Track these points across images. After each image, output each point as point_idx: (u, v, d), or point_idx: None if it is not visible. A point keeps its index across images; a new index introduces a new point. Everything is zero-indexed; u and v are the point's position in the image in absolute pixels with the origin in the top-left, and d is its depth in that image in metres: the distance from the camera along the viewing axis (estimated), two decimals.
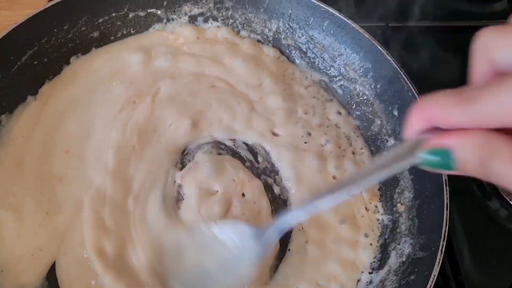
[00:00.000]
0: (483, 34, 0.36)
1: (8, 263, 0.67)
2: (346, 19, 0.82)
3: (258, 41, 0.91)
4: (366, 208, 0.76)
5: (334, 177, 0.77)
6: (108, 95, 0.81)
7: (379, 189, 0.78)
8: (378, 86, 0.81)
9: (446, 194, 0.67)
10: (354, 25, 0.81)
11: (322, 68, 0.88)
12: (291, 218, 0.59)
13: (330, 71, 0.87)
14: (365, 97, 0.83)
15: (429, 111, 0.38)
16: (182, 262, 0.66)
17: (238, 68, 0.85)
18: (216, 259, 0.64)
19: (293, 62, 0.90)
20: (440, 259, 0.62)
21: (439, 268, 0.62)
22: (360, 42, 0.82)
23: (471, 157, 0.36)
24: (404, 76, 0.76)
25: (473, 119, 0.35)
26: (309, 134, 0.81)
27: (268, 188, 0.76)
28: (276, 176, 0.77)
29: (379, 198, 0.77)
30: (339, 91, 0.86)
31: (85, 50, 0.85)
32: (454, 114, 0.36)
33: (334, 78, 0.87)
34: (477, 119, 0.35)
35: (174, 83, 0.82)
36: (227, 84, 0.84)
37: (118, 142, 0.76)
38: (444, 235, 0.64)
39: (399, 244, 0.70)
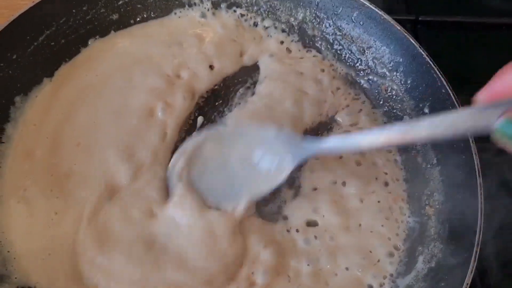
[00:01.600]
0: None
1: (20, 256, 0.64)
2: (377, 10, 0.78)
3: (283, 30, 0.87)
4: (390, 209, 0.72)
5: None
6: (129, 83, 0.78)
7: (404, 191, 0.74)
8: (409, 82, 0.77)
9: (481, 199, 0.63)
10: (385, 16, 0.77)
11: (349, 61, 0.84)
12: (331, 142, 0.63)
13: (358, 64, 0.83)
14: (393, 93, 0.79)
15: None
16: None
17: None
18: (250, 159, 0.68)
19: (320, 53, 0.86)
20: (473, 267, 0.59)
21: (472, 276, 0.58)
22: (391, 35, 0.78)
23: None
24: (437, 72, 0.72)
25: None
26: None
27: None
28: None
29: (406, 200, 0.73)
30: (366, 85, 0.82)
31: (104, 33, 0.82)
32: None
33: (361, 72, 0.83)
34: None
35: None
36: None
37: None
38: (478, 241, 0.60)
39: (427, 248, 0.67)
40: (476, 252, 0.60)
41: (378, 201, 0.73)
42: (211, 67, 0.82)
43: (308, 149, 0.66)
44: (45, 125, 0.74)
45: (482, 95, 0.39)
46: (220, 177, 0.69)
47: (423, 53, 0.74)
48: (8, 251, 0.64)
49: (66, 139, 0.73)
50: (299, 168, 0.73)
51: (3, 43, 0.71)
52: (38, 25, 0.75)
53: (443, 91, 0.71)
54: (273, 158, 0.67)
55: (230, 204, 0.67)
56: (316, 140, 0.66)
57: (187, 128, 0.77)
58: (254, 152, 0.69)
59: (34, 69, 0.76)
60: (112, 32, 0.83)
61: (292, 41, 0.87)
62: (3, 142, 0.72)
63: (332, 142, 0.64)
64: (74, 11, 0.78)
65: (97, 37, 0.82)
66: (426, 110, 0.74)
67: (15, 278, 0.63)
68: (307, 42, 0.86)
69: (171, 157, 0.72)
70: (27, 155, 0.72)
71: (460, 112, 0.44)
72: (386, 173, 0.75)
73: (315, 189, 0.73)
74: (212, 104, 0.80)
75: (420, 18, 0.96)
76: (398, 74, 0.78)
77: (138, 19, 0.85)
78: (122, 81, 0.78)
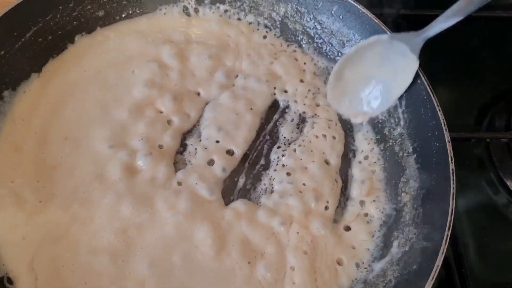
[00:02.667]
0: None
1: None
2: (355, 4, 0.80)
3: (265, 26, 0.89)
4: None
5: None
6: (119, 79, 0.81)
7: (381, 180, 0.77)
8: None
9: (453, 184, 0.65)
10: (363, 10, 0.79)
11: (329, 54, 0.86)
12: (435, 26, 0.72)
13: (338, 57, 0.85)
14: None
15: None
16: None
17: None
18: None
19: (300, 47, 0.88)
20: (444, 249, 0.61)
21: (443, 258, 0.60)
22: (369, 28, 0.80)
23: None
24: None
25: None
26: None
27: None
28: None
29: (381, 190, 0.75)
30: None
31: (90, 29, 0.84)
32: None
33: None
34: None
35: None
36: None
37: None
38: (449, 225, 0.62)
39: (402, 233, 0.69)
40: (447, 235, 0.62)
41: None
42: None
43: (419, 40, 0.73)
44: (33, 120, 0.76)
45: None
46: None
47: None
48: None
49: (54, 133, 0.75)
50: None
51: None
52: (25, 21, 0.77)
53: (419, 81, 0.73)
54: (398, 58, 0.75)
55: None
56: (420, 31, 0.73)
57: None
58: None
59: (22, 64, 0.78)
60: (99, 28, 0.85)
61: (274, 35, 0.89)
62: None
63: (435, 27, 0.72)
64: (60, 7, 0.80)
65: (84, 33, 0.84)
66: (403, 101, 0.76)
67: None
68: (289, 36, 0.88)
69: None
70: (15, 149, 0.74)
71: None
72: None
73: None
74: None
75: (400, 13, 0.98)
76: None
77: (123, 15, 0.87)
78: (111, 77, 0.81)
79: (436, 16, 0.96)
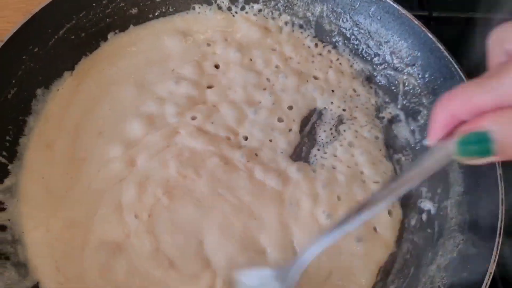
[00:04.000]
0: (499, 29, 0.40)
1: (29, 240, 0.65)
2: (394, 4, 0.78)
3: (300, 26, 0.88)
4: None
5: None
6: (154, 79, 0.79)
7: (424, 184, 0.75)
8: (427, 76, 0.77)
9: (501, 189, 0.64)
10: (403, 11, 0.78)
11: (366, 56, 0.85)
12: (312, 250, 0.56)
13: (375, 59, 0.84)
14: (411, 87, 0.80)
15: (453, 101, 0.39)
16: None
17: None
18: None
19: (335, 48, 0.87)
20: (496, 256, 0.59)
21: (495, 265, 0.59)
22: (408, 29, 0.78)
23: (509, 133, 0.36)
24: (455, 66, 0.72)
25: (497, 94, 0.36)
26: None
27: None
28: None
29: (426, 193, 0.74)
30: (383, 80, 0.83)
31: (123, 27, 0.83)
32: (478, 93, 0.37)
33: (379, 66, 0.83)
34: (501, 93, 0.36)
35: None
36: None
37: None
38: (500, 231, 0.61)
39: (448, 240, 0.67)
40: (498, 242, 0.60)
41: None
42: None
43: (292, 275, 0.58)
44: (66, 117, 0.75)
45: (431, 140, 0.42)
46: None
47: (441, 47, 0.74)
48: (23, 232, 0.65)
49: (87, 129, 0.75)
50: None
51: (25, 36, 0.72)
52: (59, 18, 0.76)
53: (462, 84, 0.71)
54: None
55: None
56: (295, 261, 0.58)
57: None
58: None
59: (55, 62, 0.76)
60: (132, 26, 0.84)
61: (308, 36, 0.87)
62: (25, 135, 0.72)
63: (310, 253, 0.56)
64: (94, 4, 0.78)
65: (117, 31, 0.82)
66: None
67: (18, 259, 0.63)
68: (324, 37, 0.87)
69: None
70: (47, 146, 0.73)
71: (424, 160, 0.45)
72: None
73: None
74: None
75: (433, 14, 0.97)
76: (415, 68, 0.79)
77: (157, 13, 0.85)
78: (149, 75, 0.79)
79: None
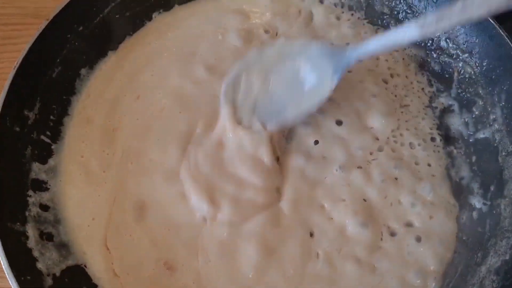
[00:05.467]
0: None
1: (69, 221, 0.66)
2: None
3: (350, 7, 0.83)
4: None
5: None
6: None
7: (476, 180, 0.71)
8: (484, 64, 0.72)
9: None
10: None
11: (419, 41, 0.80)
12: (371, 45, 0.63)
13: (429, 44, 0.79)
14: (467, 75, 0.75)
15: None
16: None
17: None
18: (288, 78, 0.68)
19: None
20: None
21: None
22: None
23: None
24: None
25: None
26: None
27: None
28: None
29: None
30: (437, 67, 0.78)
31: (168, 7, 0.81)
32: None
33: (432, 53, 0.78)
34: None
35: None
36: None
37: None
38: None
39: (501, 240, 0.64)
40: None
41: None
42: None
43: (348, 56, 0.65)
44: (107, 91, 0.75)
45: None
46: (263, 98, 0.69)
47: (502, 33, 0.69)
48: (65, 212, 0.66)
49: (126, 96, 0.74)
50: None
51: (70, 15, 0.71)
52: None
53: None
54: (315, 73, 0.67)
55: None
56: (354, 46, 0.66)
57: None
58: (296, 70, 0.68)
59: (100, 41, 0.76)
60: (176, 5, 0.82)
61: (359, 18, 0.83)
62: (69, 114, 0.72)
63: (372, 44, 0.63)
64: None
65: (161, 10, 0.81)
66: (503, 96, 0.70)
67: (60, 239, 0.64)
68: (375, 20, 0.83)
69: None
70: (87, 122, 0.73)
71: None
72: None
73: None
74: None
75: None
76: (473, 55, 0.74)
77: None
78: (199, 46, 0.78)
79: None
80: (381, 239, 0.66)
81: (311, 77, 0.67)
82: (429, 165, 0.72)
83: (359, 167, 0.70)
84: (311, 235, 0.65)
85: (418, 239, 0.66)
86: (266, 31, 0.80)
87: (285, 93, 0.68)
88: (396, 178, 0.70)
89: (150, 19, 0.80)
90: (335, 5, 0.84)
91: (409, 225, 0.67)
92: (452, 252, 0.66)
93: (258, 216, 0.64)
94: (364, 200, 0.68)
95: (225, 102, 0.68)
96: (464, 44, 0.74)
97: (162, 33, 0.79)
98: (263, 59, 0.69)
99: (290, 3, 0.83)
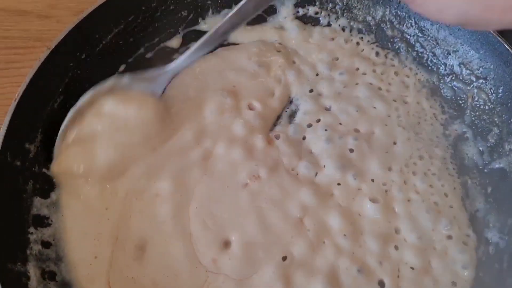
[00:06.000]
0: None
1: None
2: None
3: (359, 30, 0.81)
4: None
5: None
6: None
7: None
8: (500, 91, 0.70)
9: None
10: None
11: (431, 65, 0.77)
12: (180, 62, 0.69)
13: (441, 69, 0.76)
14: (481, 102, 0.72)
15: None
16: None
17: None
18: None
19: (397, 56, 0.80)
20: None
21: None
22: (481, 38, 0.71)
23: None
24: None
25: None
26: None
27: None
28: None
29: None
30: (449, 93, 0.76)
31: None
32: None
33: (445, 77, 0.76)
34: None
35: None
36: None
37: None
38: None
39: None
40: None
41: None
42: None
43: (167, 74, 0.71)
44: None
45: None
46: None
47: None
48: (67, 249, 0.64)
49: None
50: None
51: (73, 43, 0.69)
52: (108, 22, 0.73)
53: None
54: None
55: None
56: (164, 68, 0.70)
57: None
58: None
59: (101, 68, 0.74)
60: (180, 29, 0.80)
61: (368, 42, 0.81)
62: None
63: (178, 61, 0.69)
64: (143, 8, 0.75)
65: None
66: None
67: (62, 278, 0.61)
68: (385, 43, 0.80)
69: None
70: None
71: None
72: None
73: None
74: None
75: None
76: (487, 81, 0.71)
77: None
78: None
79: None
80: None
81: None
82: (446, 195, 0.69)
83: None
84: None
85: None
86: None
87: None
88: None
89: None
90: (343, 28, 0.82)
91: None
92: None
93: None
94: None
95: None
96: (478, 70, 0.72)
97: None
98: None
99: None
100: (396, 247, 0.64)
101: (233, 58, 0.78)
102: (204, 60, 0.76)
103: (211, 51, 0.75)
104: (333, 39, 0.81)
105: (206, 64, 0.77)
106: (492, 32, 0.68)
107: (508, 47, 0.68)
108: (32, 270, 0.58)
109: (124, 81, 0.69)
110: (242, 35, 0.80)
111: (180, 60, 0.69)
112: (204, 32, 0.76)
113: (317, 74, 0.78)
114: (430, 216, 0.66)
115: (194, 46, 0.68)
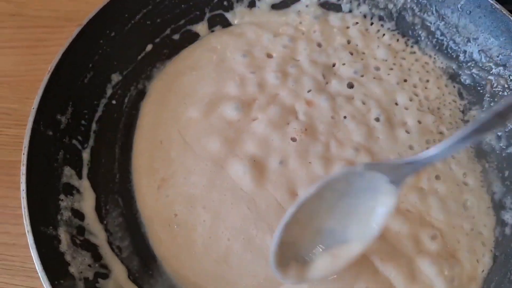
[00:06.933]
0: None
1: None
2: None
3: (380, 17, 0.83)
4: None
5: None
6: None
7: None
8: None
9: None
10: (497, 5, 0.71)
11: (450, 52, 0.79)
12: (426, 157, 0.51)
13: (461, 56, 0.78)
14: (500, 88, 0.74)
15: None
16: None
17: None
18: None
19: (417, 43, 0.81)
20: None
21: None
22: (502, 26, 0.72)
23: None
24: None
25: None
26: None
27: None
28: None
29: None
30: (469, 80, 0.77)
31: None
32: None
33: (464, 64, 0.78)
34: None
35: None
36: None
37: None
38: None
39: None
40: None
41: None
42: None
43: (406, 171, 0.54)
44: None
45: None
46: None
47: None
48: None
49: None
50: None
51: (103, 21, 0.71)
52: (136, 3, 0.76)
53: None
54: (376, 199, 0.55)
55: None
56: (410, 159, 0.53)
57: None
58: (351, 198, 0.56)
59: (130, 48, 0.77)
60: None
61: (388, 29, 0.83)
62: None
63: (432, 153, 0.51)
64: None
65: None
66: None
67: None
68: (406, 31, 0.82)
69: None
70: None
71: None
72: None
73: None
74: None
75: None
76: (507, 68, 0.73)
77: None
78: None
79: None
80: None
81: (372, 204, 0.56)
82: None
83: None
84: None
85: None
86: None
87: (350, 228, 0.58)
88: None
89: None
90: (364, 15, 0.83)
91: None
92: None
93: None
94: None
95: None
96: (498, 57, 0.73)
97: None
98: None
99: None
100: None
101: None
102: None
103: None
104: (355, 24, 0.82)
105: None
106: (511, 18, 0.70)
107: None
108: (63, 235, 0.60)
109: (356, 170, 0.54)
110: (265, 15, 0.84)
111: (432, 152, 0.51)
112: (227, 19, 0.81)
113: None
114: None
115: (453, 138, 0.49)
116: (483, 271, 0.65)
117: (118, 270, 0.64)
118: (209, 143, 0.70)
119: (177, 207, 0.67)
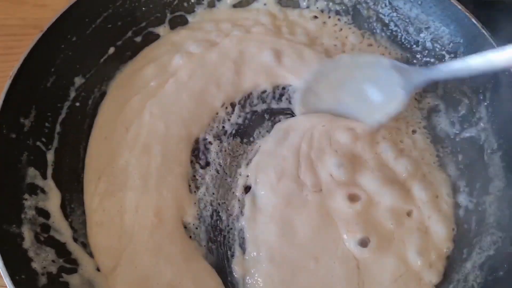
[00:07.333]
0: None
1: None
2: None
3: (336, 12, 0.85)
4: None
5: None
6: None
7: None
8: None
9: None
10: None
11: (405, 43, 0.81)
12: (444, 68, 0.66)
13: (414, 46, 0.80)
14: None
15: None
16: None
17: None
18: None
19: (373, 35, 0.84)
20: None
21: None
22: (451, 14, 0.75)
23: None
24: None
25: None
26: None
27: None
28: None
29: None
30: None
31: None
32: None
33: (418, 54, 0.80)
34: None
35: None
36: None
37: None
38: None
39: (486, 237, 0.64)
40: None
41: None
42: None
43: (418, 78, 0.69)
44: None
45: None
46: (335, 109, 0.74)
47: (485, 33, 0.70)
48: None
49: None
50: None
51: (64, 26, 0.73)
52: (96, 7, 0.78)
53: (506, 73, 0.67)
54: (383, 88, 0.72)
55: None
56: (426, 69, 0.70)
57: None
58: (366, 83, 0.73)
59: (92, 51, 0.79)
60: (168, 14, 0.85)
61: (345, 23, 0.85)
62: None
63: (445, 68, 0.67)
64: None
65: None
66: (487, 94, 0.71)
67: None
68: (361, 24, 0.84)
69: None
70: None
71: None
72: None
73: None
74: None
75: None
76: (458, 56, 0.75)
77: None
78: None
79: None
80: None
81: (378, 92, 0.73)
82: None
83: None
84: None
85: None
86: None
87: (355, 105, 0.73)
88: None
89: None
90: (321, 10, 0.86)
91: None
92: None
93: None
94: None
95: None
96: (449, 45, 0.76)
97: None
98: (334, 70, 0.75)
99: None
100: None
101: None
102: None
103: None
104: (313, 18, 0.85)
105: None
106: (459, 7, 0.72)
107: (475, 22, 0.71)
108: (27, 232, 0.62)
109: (384, 62, 0.73)
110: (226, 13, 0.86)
111: (446, 67, 0.68)
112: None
113: None
114: None
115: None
116: None
117: (86, 263, 0.66)
118: None
119: None
